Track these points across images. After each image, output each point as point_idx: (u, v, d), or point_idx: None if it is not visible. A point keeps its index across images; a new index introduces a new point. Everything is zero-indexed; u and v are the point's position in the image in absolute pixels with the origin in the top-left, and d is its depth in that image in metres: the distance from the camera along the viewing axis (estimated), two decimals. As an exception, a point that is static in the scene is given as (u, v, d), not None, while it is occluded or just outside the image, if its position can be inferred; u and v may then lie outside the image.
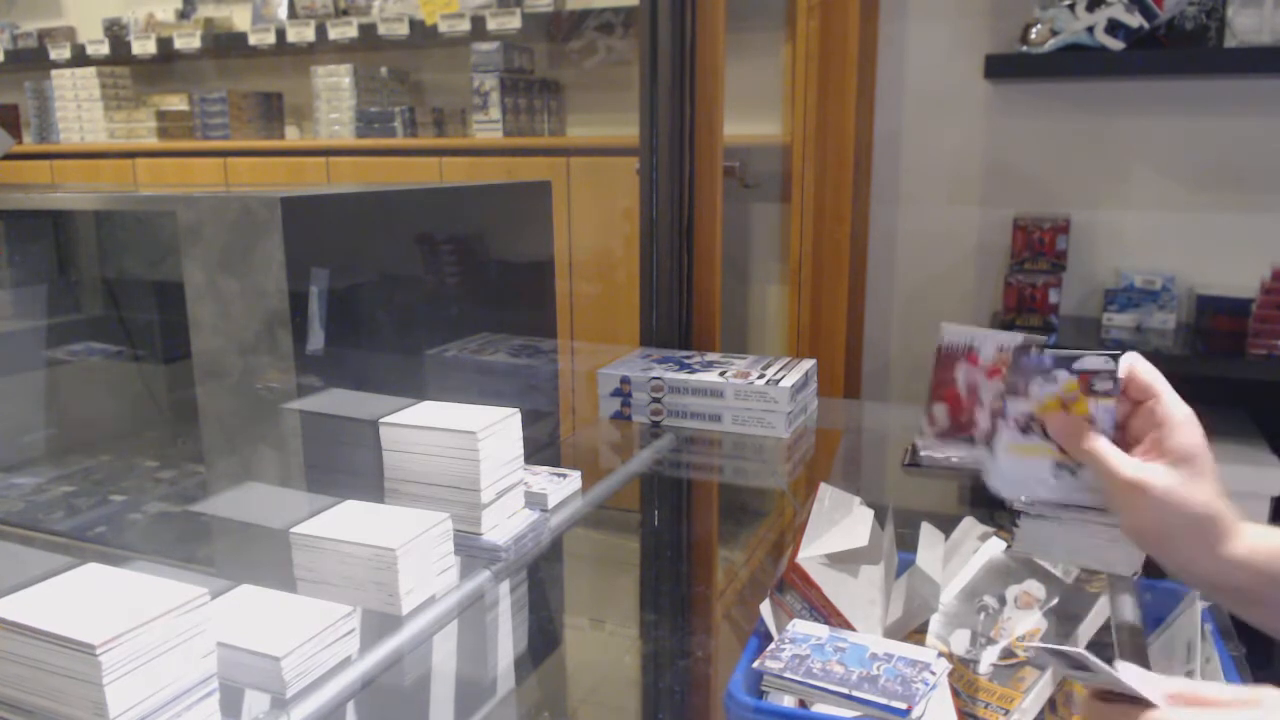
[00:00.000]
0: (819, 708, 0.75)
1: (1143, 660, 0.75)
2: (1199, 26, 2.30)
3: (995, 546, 0.94)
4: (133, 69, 3.83)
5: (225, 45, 3.58)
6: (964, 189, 2.71)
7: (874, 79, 2.72)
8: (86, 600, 0.63)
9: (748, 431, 1.46)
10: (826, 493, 0.97)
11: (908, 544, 0.94)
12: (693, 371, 1.52)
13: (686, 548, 1.32)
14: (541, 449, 1.47)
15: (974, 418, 0.78)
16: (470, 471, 0.95)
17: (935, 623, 0.89)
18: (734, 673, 0.77)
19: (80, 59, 3.83)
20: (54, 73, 3.82)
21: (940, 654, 0.78)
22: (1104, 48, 2.27)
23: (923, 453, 0.83)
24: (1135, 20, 2.23)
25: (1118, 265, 2.58)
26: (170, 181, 3.49)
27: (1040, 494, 0.79)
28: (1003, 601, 0.89)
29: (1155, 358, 2.60)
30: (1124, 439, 0.77)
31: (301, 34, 3.38)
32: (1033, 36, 2.35)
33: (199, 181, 3.39)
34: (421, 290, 1.26)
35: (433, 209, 1.32)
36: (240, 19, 3.72)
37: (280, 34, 3.40)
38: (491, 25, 3.07)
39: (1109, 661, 0.59)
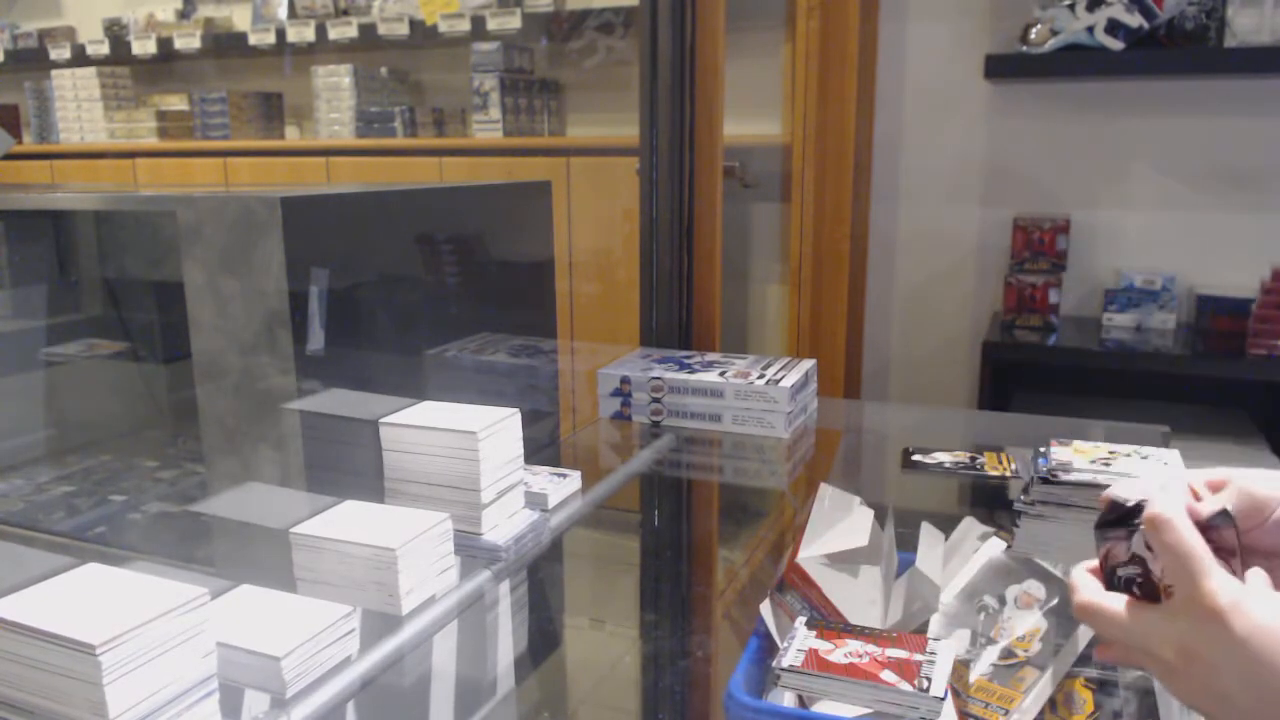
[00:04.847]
0: (822, 706, 0.76)
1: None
2: (1199, 26, 2.30)
3: (995, 546, 0.94)
4: (133, 69, 3.83)
5: (225, 45, 3.58)
6: (964, 189, 2.71)
7: (874, 79, 2.72)
8: (86, 600, 0.63)
9: (748, 431, 1.46)
10: (826, 493, 0.97)
11: (908, 544, 0.94)
12: (693, 371, 1.52)
13: (686, 548, 1.32)
14: (541, 449, 1.47)
15: None
16: (470, 471, 0.95)
17: (935, 623, 0.89)
18: (734, 673, 0.77)
19: (80, 59, 3.83)
20: (54, 73, 3.82)
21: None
22: (1104, 48, 2.27)
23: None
24: (1135, 20, 2.23)
25: (1118, 265, 2.58)
26: (170, 181, 3.49)
27: None
28: (1003, 601, 0.89)
29: (1155, 358, 2.59)
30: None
31: (301, 34, 3.38)
32: (1033, 36, 2.35)
33: (199, 181, 3.39)
34: (421, 290, 1.26)
35: (433, 209, 1.32)
36: (240, 19, 3.72)
37: (280, 34, 3.40)
38: (491, 25, 3.06)
39: None
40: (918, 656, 0.76)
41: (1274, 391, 2.35)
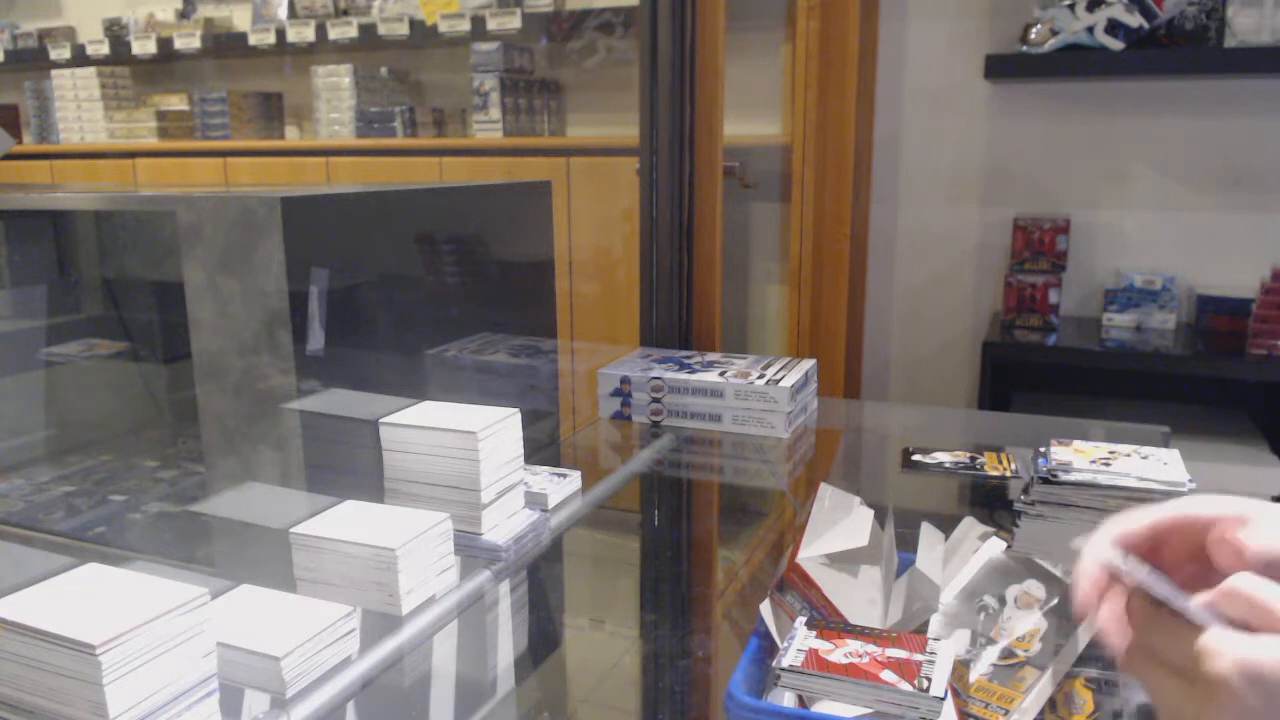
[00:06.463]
0: (822, 707, 0.76)
1: None
2: (1199, 26, 2.30)
3: (995, 546, 0.94)
4: (133, 69, 3.83)
5: (225, 45, 3.58)
6: (964, 189, 2.71)
7: (874, 79, 2.72)
8: (86, 600, 0.63)
9: (748, 431, 1.46)
10: (826, 493, 0.97)
11: (908, 544, 0.94)
12: (693, 371, 1.52)
13: (686, 548, 1.32)
14: (541, 449, 1.47)
15: None
16: (470, 471, 0.95)
17: (935, 623, 0.89)
18: (734, 673, 0.77)
19: (80, 59, 3.83)
20: (54, 73, 3.82)
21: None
22: (1104, 48, 2.27)
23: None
24: (1135, 20, 2.23)
25: (1118, 265, 2.58)
26: (170, 181, 3.49)
27: None
28: (1003, 601, 0.89)
29: (1155, 358, 2.59)
30: None
31: (301, 34, 3.38)
32: (1033, 36, 2.35)
33: (199, 181, 3.39)
34: (421, 290, 1.26)
35: (433, 209, 1.32)
36: (240, 19, 3.72)
37: (280, 34, 3.40)
38: (491, 25, 3.07)
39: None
40: (918, 656, 0.76)
41: (1274, 391, 2.35)
